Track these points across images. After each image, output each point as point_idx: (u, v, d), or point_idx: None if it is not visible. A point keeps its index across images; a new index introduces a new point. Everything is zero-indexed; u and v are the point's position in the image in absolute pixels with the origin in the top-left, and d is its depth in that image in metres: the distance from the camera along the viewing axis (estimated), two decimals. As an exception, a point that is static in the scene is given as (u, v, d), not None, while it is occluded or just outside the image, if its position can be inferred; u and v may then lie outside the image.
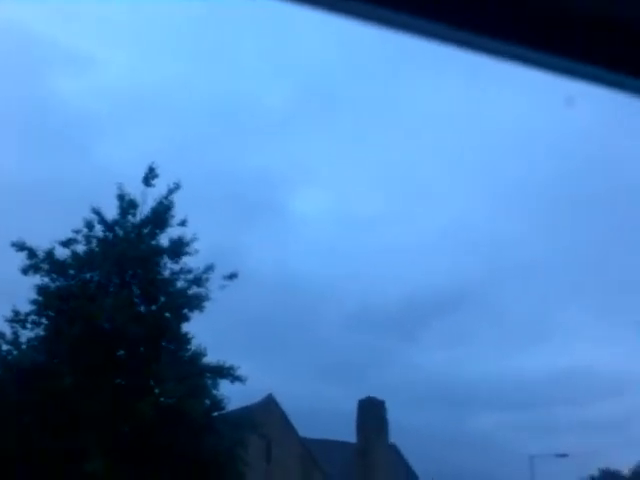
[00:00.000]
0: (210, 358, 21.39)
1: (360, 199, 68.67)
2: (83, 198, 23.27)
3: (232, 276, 21.84)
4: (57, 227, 22.00)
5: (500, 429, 63.41)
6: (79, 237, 21.13)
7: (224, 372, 21.24)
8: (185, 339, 21.65)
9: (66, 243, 20.92)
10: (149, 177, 21.61)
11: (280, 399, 33.17)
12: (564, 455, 41.00)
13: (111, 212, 21.51)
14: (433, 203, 70.72)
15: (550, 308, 67.24)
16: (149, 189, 21.64)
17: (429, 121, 63.41)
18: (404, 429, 43.41)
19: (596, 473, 54.80)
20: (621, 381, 69.90)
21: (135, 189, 21.67)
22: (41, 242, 20.73)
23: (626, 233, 61.94)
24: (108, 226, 21.46)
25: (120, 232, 21.50)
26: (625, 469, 54.85)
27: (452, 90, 51.24)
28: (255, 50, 51.12)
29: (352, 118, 63.74)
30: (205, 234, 22.26)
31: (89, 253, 21.00)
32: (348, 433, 34.68)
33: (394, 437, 35.61)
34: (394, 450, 38.53)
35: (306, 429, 34.44)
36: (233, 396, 22.26)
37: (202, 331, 22.12)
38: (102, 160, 45.97)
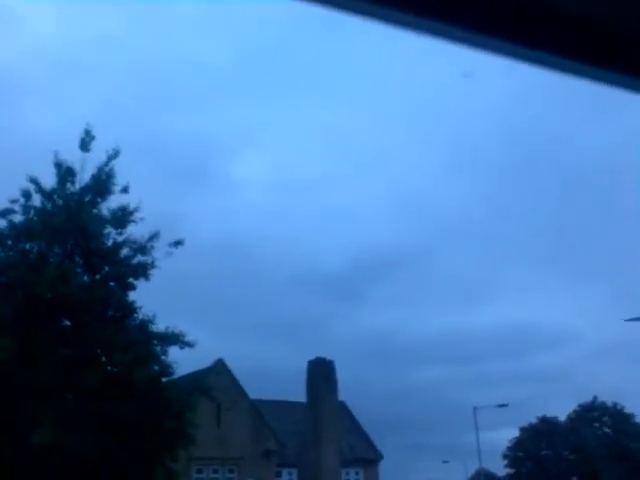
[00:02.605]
0: (159, 325, 21.44)
1: (300, 163, 68.77)
2: (12, 161, 22.39)
3: (178, 243, 21.75)
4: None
5: (444, 383, 66.01)
6: (16, 207, 20.60)
7: (172, 338, 21.31)
8: (131, 307, 21.56)
9: (2, 213, 20.38)
10: (86, 141, 21.01)
11: (230, 362, 33.61)
12: (504, 405, 43.14)
13: (47, 178, 20.91)
14: (376, 167, 71.62)
15: (489, 268, 69.64)
16: (86, 155, 21.12)
17: (367, 89, 63.52)
18: (352, 386, 44.68)
19: (534, 421, 57.80)
20: (555, 335, 73.57)
21: (69, 154, 21.07)
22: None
23: (564, 193, 64.27)
24: (46, 195, 20.95)
25: (59, 201, 21.03)
26: (562, 416, 58.14)
27: (384, 58, 51.31)
28: (192, 7, 49.59)
29: (290, 83, 63.23)
30: (144, 200, 21.88)
31: (27, 223, 20.49)
32: (298, 393, 35.54)
33: (343, 395, 36.67)
34: (343, 407, 39.71)
35: (256, 391, 35.13)
36: (184, 362, 22.42)
37: (150, 298, 22.08)
38: (31, 124, 44.22)
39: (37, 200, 20.86)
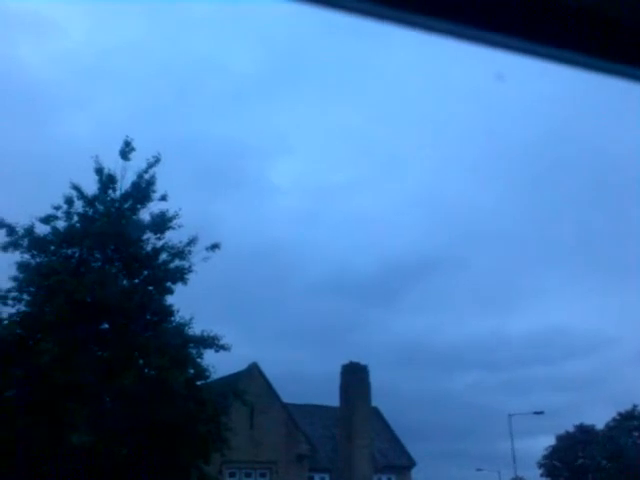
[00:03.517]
0: (195, 329, 21.76)
1: (331, 167, 69.07)
2: (51, 168, 22.84)
3: (214, 247, 22.08)
4: (25, 201, 21.70)
5: (478, 389, 65.31)
6: (59, 213, 21.19)
7: (208, 342, 21.59)
8: (169, 311, 21.95)
9: (46, 219, 20.97)
10: (126, 151, 21.54)
11: (263, 366, 33.90)
12: (540, 412, 42.51)
13: (88, 185, 21.46)
14: (405, 171, 71.42)
15: (523, 272, 68.64)
16: (125, 162, 21.61)
17: (398, 93, 63.38)
18: (385, 392, 44.54)
19: (571, 429, 56.69)
20: (593, 341, 72.20)
21: (106, 159, 21.57)
22: (20, 219, 20.73)
23: (597, 197, 63.00)
24: (88, 202, 21.50)
25: (100, 207, 21.57)
26: (599, 424, 56.93)
27: (411, 63, 51.11)
28: (220, 14, 50.14)
29: (322, 89, 63.49)
30: (179, 205, 22.29)
31: (69, 229, 21.06)
32: (331, 397, 35.62)
33: (376, 400, 36.62)
34: (376, 413, 39.61)
35: (290, 395, 35.33)
36: (218, 365, 22.71)
37: (184, 301, 22.46)
38: (67, 131, 45.29)
39: (79, 206, 21.47)
